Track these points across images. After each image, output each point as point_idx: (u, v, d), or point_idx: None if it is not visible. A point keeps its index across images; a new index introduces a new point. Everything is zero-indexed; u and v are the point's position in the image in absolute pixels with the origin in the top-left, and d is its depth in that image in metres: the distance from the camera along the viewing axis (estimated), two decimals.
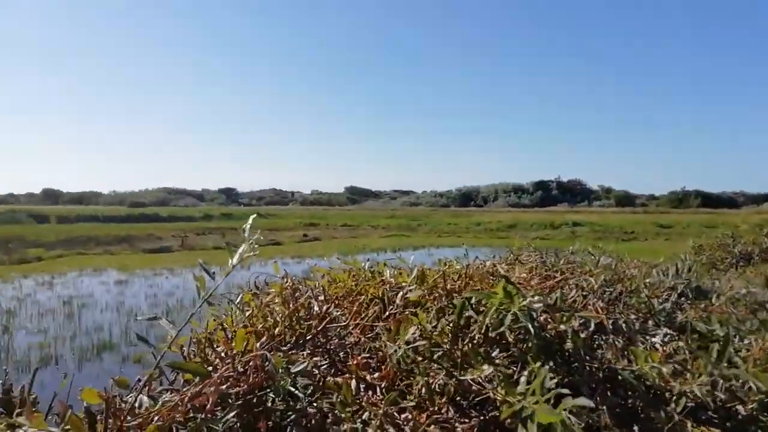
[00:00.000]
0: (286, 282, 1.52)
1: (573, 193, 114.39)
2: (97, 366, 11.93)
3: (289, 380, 1.03)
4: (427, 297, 1.43)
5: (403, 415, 0.96)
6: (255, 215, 1.17)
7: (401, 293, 1.43)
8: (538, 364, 1.13)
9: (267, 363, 1.04)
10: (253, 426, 1.03)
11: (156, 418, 0.99)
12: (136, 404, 0.95)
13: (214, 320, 1.62)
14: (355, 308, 1.39)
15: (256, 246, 1.12)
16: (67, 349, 12.82)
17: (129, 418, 0.95)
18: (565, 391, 0.92)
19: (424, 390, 1.12)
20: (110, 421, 0.92)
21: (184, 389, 1.08)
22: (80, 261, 28.01)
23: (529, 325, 1.14)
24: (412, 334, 1.09)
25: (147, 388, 1.08)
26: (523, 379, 1.04)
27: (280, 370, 1.04)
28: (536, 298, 1.21)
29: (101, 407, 1.10)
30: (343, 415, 0.93)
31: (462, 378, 1.08)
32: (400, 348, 1.06)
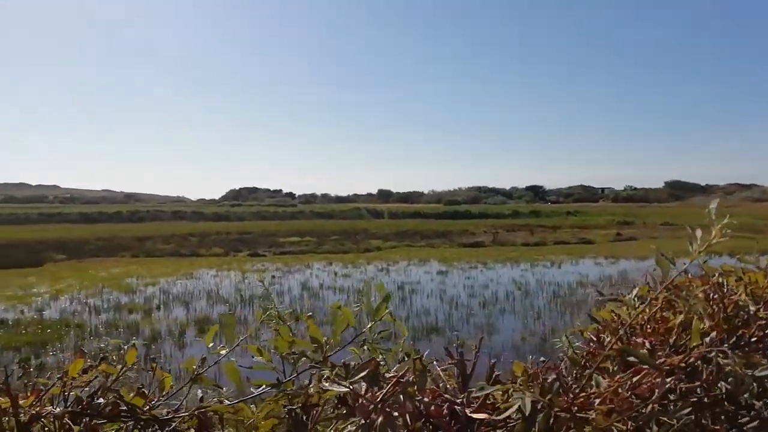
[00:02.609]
0: (712, 277, 1.37)
1: None
2: (427, 345, 13.40)
3: (754, 385, 0.92)
4: None
5: None
6: (718, 199, 1.07)
7: None
8: None
9: (719, 361, 0.95)
10: (704, 427, 0.95)
11: (597, 401, 1.01)
12: (592, 382, 0.99)
13: (609, 311, 1.58)
14: None
15: (728, 230, 1.03)
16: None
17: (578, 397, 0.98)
18: None
19: None
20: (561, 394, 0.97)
21: (617, 377, 1.07)
22: (408, 252, 31.94)
23: None
24: None
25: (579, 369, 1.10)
26: None
27: (739, 372, 0.93)
28: None
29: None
30: None
31: None
32: None
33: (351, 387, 0.89)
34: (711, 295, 1.26)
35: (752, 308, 1.19)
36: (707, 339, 1.04)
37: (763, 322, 1.14)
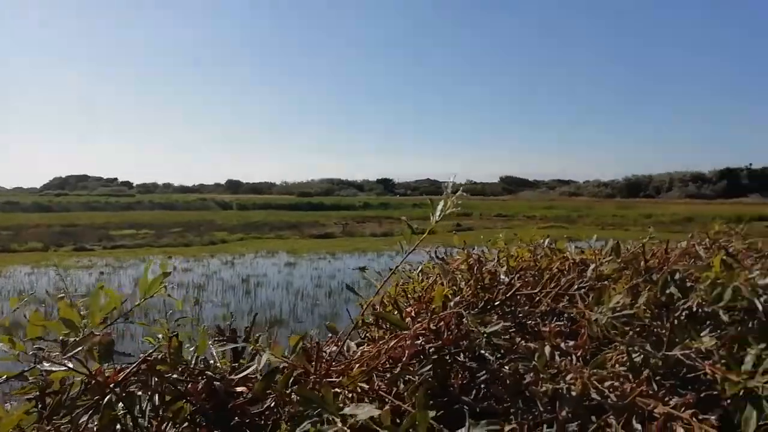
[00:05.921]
0: (470, 251, 1.53)
1: None
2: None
3: (483, 340, 1.04)
4: (620, 272, 1.34)
5: (606, 383, 0.91)
6: (451, 182, 1.17)
7: (593, 266, 1.36)
8: (763, 345, 1.00)
9: (462, 322, 1.06)
10: (444, 381, 1.06)
11: (357, 365, 1.06)
12: (344, 348, 1.03)
13: (395, 286, 1.69)
14: (546, 277, 1.36)
15: (458, 202, 1.13)
16: (244, 321, 14.32)
17: (334, 363, 1.03)
18: None
19: (621, 362, 1.05)
20: (320, 363, 1.01)
21: (379, 342, 1.15)
22: (257, 244, 31.12)
23: (757, 301, 1.01)
24: (617, 302, 1.02)
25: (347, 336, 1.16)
26: (748, 359, 0.93)
27: (474, 330, 1.05)
28: (759, 272, 1.07)
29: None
30: (543, 376, 0.90)
31: (669, 353, 0.99)
32: (604, 315, 1.00)
33: (73, 366, 0.83)
34: (474, 268, 1.41)
35: (505, 278, 1.35)
36: (451, 303, 1.16)
37: (504, 287, 1.29)
